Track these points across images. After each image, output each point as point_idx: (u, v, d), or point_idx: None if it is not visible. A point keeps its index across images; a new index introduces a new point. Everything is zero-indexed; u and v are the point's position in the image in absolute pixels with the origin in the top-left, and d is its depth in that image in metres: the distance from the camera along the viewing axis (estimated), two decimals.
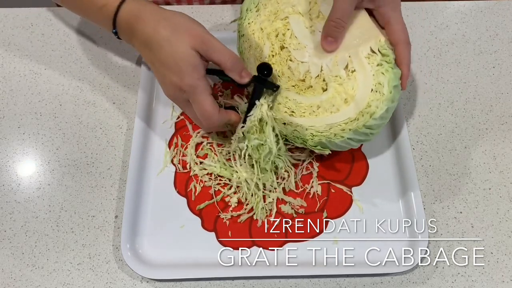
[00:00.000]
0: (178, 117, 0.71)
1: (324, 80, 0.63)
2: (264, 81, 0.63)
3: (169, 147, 0.69)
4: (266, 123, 0.63)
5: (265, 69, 0.62)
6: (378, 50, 0.61)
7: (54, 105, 0.73)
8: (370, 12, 0.64)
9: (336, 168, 0.67)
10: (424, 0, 0.85)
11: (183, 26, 0.59)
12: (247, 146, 0.62)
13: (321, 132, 0.62)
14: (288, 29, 0.66)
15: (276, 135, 0.63)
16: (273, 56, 0.66)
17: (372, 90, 0.60)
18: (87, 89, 0.74)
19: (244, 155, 0.63)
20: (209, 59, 0.60)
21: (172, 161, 0.68)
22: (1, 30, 0.79)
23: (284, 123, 0.64)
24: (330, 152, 0.62)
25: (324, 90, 0.63)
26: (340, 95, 0.62)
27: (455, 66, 0.77)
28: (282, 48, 0.66)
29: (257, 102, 0.63)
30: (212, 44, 0.59)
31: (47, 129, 0.71)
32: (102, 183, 0.67)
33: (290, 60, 0.65)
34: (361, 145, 0.69)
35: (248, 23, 0.68)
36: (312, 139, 0.62)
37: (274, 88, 0.64)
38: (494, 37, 0.80)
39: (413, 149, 0.70)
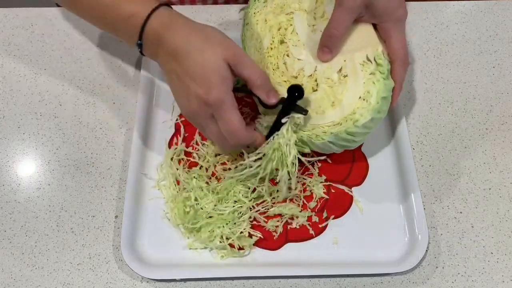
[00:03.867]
0: (178, 118, 0.71)
1: (316, 81, 0.63)
2: (293, 104, 0.59)
3: (169, 147, 0.69)
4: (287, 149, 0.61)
5: (296, 90, 0.59)
6: (374, 59, 0.60)
7: (54, 105, 0.73)
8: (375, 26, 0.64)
9: (336, 168, 0.67)
10: (424, 0, 0.85)
11: (215, 38, 0.57)
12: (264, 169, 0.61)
13: (304, 131, 0.62)
14: (291, 25, 0.67)
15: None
16: (271, 49, 0.67)
17: (360, 97, 0.60)
18: (87, 89, 0.74)
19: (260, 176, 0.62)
20: (239, 74, 0.57)
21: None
22: (1, 30, 0.79)
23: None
24: (310, 151, 0.63)
25: (314, 90, 0.63)
26: (328, 97, 0.62)
27: (455, 66, 0.77)
28: (281, 42, 0.67)
29: (282, 121, 0.59)
30: (244, 59, 0.56)
31: (47, 129, 0.71)
32: (102, 183, 0.67)
33: (287, 56, 0.66)
34: (361, 145, 0.69)
35: (254, 13, 0.69)
36: (296, 135, 0.61)
37: (303, 112, 0.59)
38: (494, 37, 0.80)
39: (413, 149, 0.70)
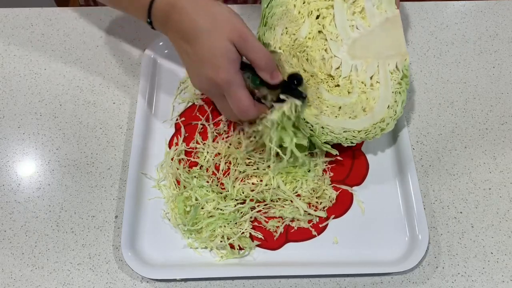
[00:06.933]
0: (178, 118, 0.71)
1: (351, 83, 0.64)
2: (292, 89, 0.60)
3: (169, 147, 0.69)
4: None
5: (295, 79, 0.60)
6: (402, 70, 0.63)
7: (54, 105, 0.73)
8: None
9: (337, 168, 0.67)
10: (424, 0, 0.86)
11: (222, 18, 0.57)
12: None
13: (335, 134, 0.63)
14: (330, 14, 0.64)
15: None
16: (309, 38, 0.64)
17: (388, 106, 0.63)
18: (87, 89, 0.74)
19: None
20: (244, 56, 0.58)
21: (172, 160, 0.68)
22: (1, 30, 0.79)
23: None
24: (338, 153, 0.64)
25: (349, 93, 0.64)
26: (361, 103, 0.63)
27: (455, 66, 0.77)
28: (319, 32, 0.64)
29: (281, 97, 0.60)
30: (249, 41, 0.57)
31: (47, 129, 0.71)
32: (102, 183, 0.67)
33: (325, 51, 0.64)
34: (361, 144, 0.69)
35: None
36: (324, 137, 0.63)
37: (301, 97, 0.60)
38: (494, 37, 0.80)
39: (413, 149, 0.70)
